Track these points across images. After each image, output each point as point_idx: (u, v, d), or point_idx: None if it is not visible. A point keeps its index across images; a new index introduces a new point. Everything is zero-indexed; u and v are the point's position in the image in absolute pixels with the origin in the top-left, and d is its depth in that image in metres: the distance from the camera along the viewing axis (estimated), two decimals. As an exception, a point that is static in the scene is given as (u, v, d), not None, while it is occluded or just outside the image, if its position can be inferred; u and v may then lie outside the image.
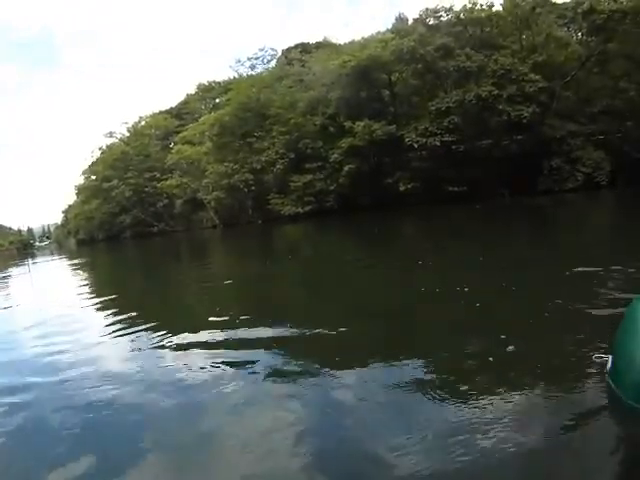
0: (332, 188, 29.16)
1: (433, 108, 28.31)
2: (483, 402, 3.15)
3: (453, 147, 28.67)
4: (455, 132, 28.10)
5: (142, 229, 38.56)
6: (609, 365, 3.12)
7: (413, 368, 3.86)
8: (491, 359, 3.74)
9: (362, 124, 27.96)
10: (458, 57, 29.21)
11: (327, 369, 3.98)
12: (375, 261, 10.43)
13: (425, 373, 3.80)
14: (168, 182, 35.44)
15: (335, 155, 28.70)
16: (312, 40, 38.76)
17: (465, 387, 3.41)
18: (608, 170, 27.71)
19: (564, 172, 28.09)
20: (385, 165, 29.20)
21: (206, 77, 52.88)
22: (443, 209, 26.71)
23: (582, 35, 34.42)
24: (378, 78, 30.00)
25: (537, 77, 29.07)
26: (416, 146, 28.03)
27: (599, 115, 30.84)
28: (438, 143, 27.65)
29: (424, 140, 27.73)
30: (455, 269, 8.07)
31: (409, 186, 27.88)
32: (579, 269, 6.41)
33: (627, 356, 2.89)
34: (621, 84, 31.81)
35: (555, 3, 36.29)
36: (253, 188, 31.74)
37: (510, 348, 3.88)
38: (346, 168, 28.35)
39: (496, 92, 28.05)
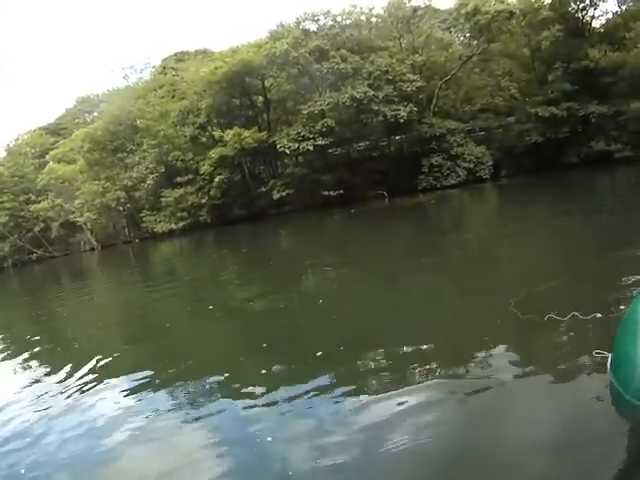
0: (204, 201, 27.41)
1: (305, 112, 27.30)
2: (479, 398, 3.18)
3: (329, 151, 27.76)
4: (330, 135, 27.11)
5: (22, 257, 35.71)
6: (610, 362, 3.14)
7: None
8: (490, 357, 3.81)
9: (232, 132, 26.53)
10: (333, 59, 28.40)
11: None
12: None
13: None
14: (41, 205, 32.89)
15: (205, 166, 27.06)
16: (192, 48, 37.35)
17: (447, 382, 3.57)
18: (490, 164, 27.94)
19: (445, 169, 27.80)
20: (259, 173, 27.89)
21: (87, 90, 48.98)
22: (316, 216, 25.77)
23: (464, 37, 34.74)
24: (251, 84, 28.75)
25: (415, 77, 28.67)
26: (288, 152, 26.85)
27: (480, 112, 30.98)
28: (311, 147, 26.49)
29: (296, 145, 26.54)
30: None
31: (283, 194, 26.52)
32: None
33: (627, 353, 2.91)
34: (502, 82, 32.08)
35: (437, 10, 36.61)
36: (128, 206, 29.75)
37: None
38: (217, 179, 26.75)
39: (372, 93, 27.35)
